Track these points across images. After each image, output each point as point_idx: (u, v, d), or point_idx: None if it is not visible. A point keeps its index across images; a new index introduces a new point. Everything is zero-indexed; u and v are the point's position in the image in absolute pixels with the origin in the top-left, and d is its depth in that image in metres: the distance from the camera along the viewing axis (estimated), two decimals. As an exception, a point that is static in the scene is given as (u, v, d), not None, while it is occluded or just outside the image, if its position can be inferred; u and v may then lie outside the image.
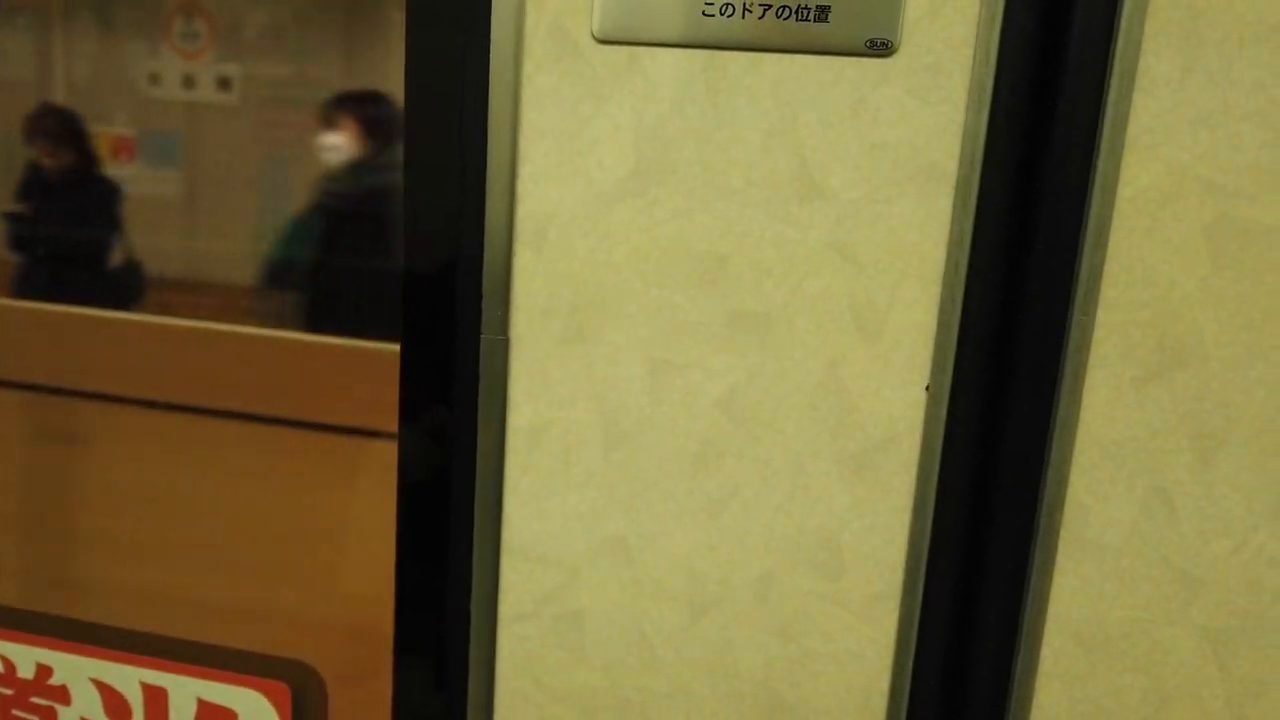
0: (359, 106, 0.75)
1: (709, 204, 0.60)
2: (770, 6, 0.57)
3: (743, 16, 0.58)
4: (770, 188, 0.59)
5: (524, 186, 0.62)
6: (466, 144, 0.62)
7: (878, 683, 0.63)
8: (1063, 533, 0.59)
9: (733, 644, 0.65)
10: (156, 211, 0.81)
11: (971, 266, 0.58)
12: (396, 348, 0.66)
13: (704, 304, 0.61)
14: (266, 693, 0.71)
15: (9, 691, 0.76)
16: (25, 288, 0.81)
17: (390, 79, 0.68)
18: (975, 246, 0.57)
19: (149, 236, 0.81)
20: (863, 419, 0.60)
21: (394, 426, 0.67)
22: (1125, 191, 0.55)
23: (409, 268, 0.65)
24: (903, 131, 0.57)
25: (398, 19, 0.62)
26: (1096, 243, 0.56)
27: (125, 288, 0.80)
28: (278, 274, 0.78)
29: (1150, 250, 0.55)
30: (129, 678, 0.73)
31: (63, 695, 0.75)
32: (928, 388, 0.59)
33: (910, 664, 0.63)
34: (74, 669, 0.74)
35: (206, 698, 0.72)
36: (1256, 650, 0.58)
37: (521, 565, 0.67)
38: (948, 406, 0.59)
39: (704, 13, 0.58)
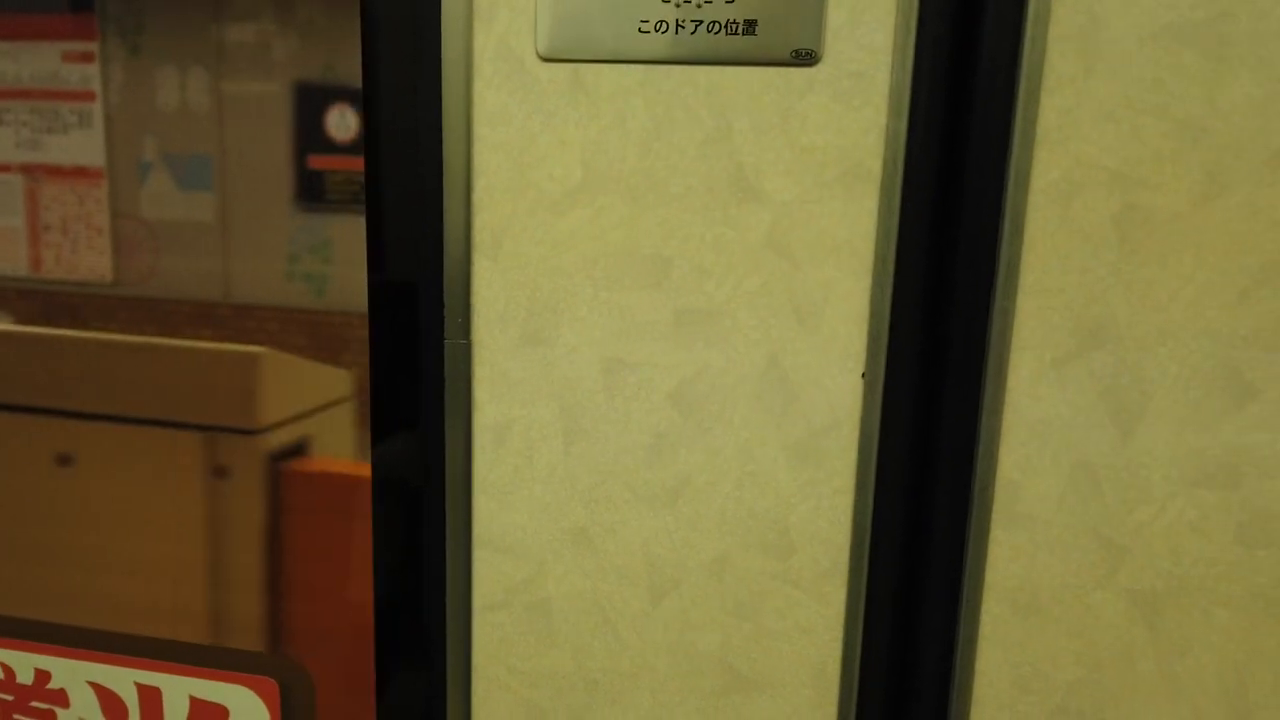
0: None
1: (652, 210, 0.64)
2: (701, 22, 0.61)
3: (675, 32, 0.61)
4: (708, 193, 0.63)
5: (479, 199, 0.66)
6: (423, 161, 0.66)
7: (830, 655, 0.67)
8: (995, 507, 0.63)
9: (692, 624, 0.68)
10: None
11: (899, 259, 0.61)
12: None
13: (651, 304, 0.65)
14: (256, 688, 0.75)
15: (9, 697, 0.80)
16: None
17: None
18: (901, 240, 0.61)
19: None
20: (805, 407, 0.64)
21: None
22: (1038, 184, 0.59)
23: (374, 280, 0.68)
24: (829, 135, 0.61)
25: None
26: (1014, 233, 0.59)
27: None
28: None
29: (1064, 239, 0.59)
30: (124, 679, 0.77)
31: (61, 698, 0.79)
32: (864, 375, 0.63)
33: (859, 636, 0.66)
34: (71, 672, 0.78)
35: (199, 695, 0.76)
36: (1181, 611, 0.62)
37: (492, 557, 0.70)
38: (883, 392, 0.63)
39: (640, 30, 0.62)
